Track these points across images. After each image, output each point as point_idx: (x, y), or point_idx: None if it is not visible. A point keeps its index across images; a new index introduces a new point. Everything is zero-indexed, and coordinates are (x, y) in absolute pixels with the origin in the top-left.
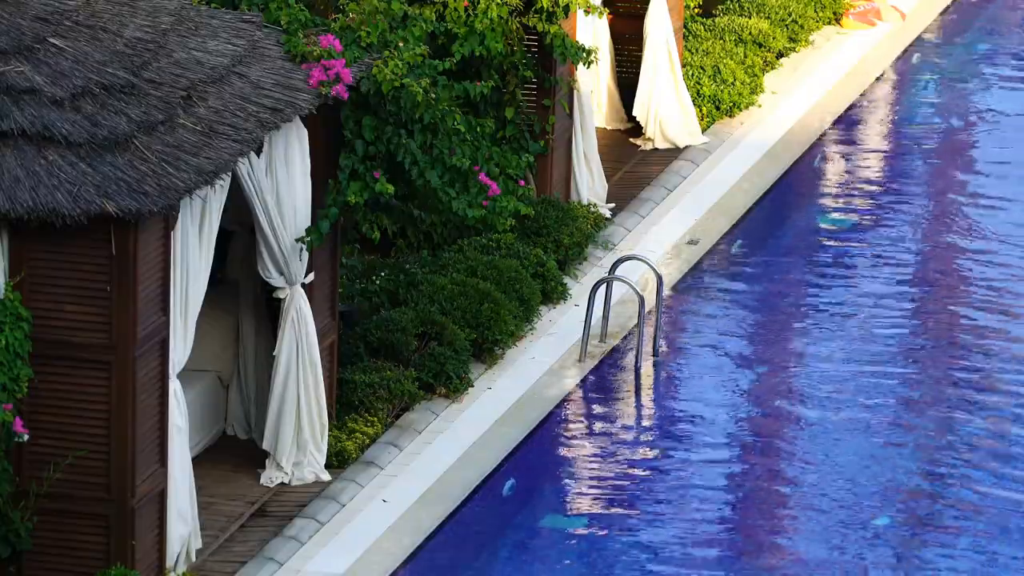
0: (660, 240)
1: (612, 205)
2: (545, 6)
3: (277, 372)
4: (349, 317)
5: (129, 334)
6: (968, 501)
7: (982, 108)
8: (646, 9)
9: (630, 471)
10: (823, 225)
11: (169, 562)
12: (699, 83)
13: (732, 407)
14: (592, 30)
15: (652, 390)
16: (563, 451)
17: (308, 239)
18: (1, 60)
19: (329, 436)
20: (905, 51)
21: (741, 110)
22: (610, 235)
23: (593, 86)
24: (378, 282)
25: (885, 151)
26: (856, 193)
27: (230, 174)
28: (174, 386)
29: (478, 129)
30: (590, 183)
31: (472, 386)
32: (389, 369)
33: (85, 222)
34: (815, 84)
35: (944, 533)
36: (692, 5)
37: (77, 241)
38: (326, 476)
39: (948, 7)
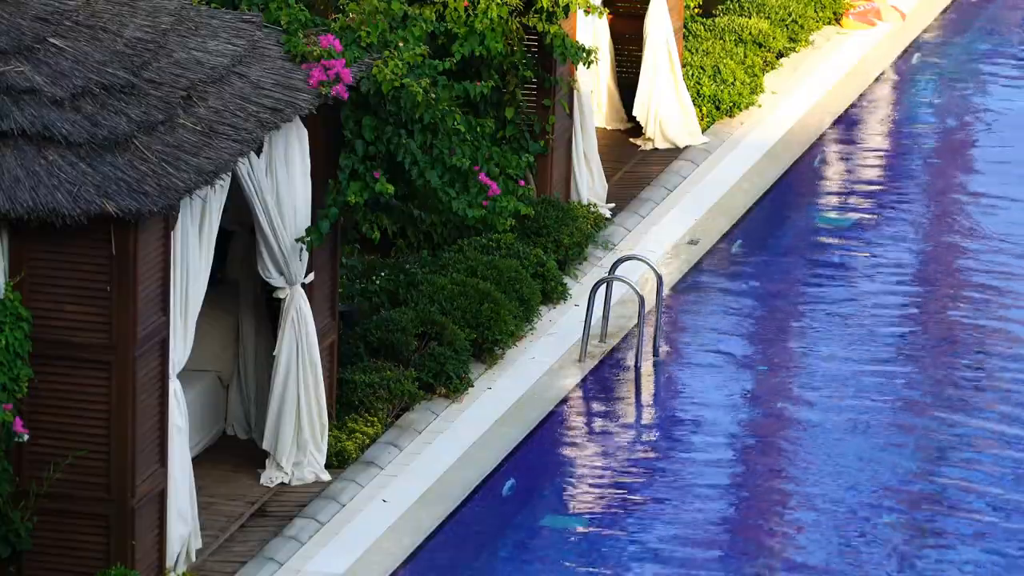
0: (660, 240)
1: (612, 205)
2: (545, 6)
3: (277, 372)
4: (349, 317)
5: (129, 334)
6: (969, 501)
7: (982, 108)
8: (646, 9)
9: (630, 471)
10: (823, 225)
11: (169, 562)
12: (699, 83)
13: (732, 407)
14: (592, 30)
15: (652, 390)
16: (563, 451)
17: (308, 239)
18: (1, 60)
19: (329, 436)
20: (905, 51)
21: (741, 110)
22: (610, 235)
23: (593, 86)
24: (378, 282)
25: (885, 151)
26: (856, 193)
27: (230, 174)
28: (174, 386)
29: (478, 129)
30: (590, 183)
31: (472, 386)
32: (389, 369)
33: (85, 222)
34: (815, 84)
35: (945, 532)
36: (692, 5)
37: (77, 241)
38: (326, 476)
39: (948, 7)
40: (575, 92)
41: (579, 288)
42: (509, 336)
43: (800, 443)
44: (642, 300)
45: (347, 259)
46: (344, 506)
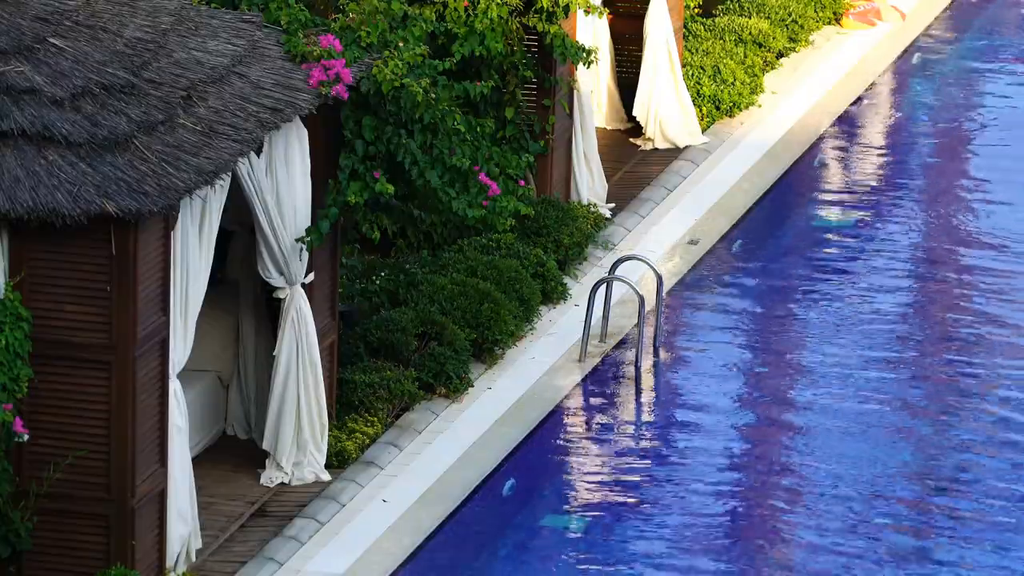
0: (660, 240)
1: (612, 205)
2: (545, 6)
3: (277, 372)
4: (349, 317)
5: (129, 334)
6: (970, 501)
7: (982, 108)
8: (646, 9)
9: (630, 471)
10: (823, 225)
11: (169, 562)
12: (699, 83)
13: (732, 407)
14: (592, 30)
15: (652, 390)
16: (563, 451)
17: (308, 239)
18: (1, 60)
19: (329, 436)
20: (905, 51)
21: (741, 110)
22: (610, 235)
23: (593, 86)
24: (378, 282)
25: (885, 151)
26: (856, 193)
27: (230, 174)
28: (174, 386)
29: (478, 129)
30: (590, 183)
31: (472, 386)
32: (389, 369)
33: (85, 222)
34: (815, 84)
35: (946, 533)
36: (692, 5)
37: (77, 241)
38: (326, 476)
39: (948, 7)
40: (575, 92)
41: (579, 288)
42: (509, 336)
43: (800, 443)
44: (642, 300)
45: (347, 259)
46: (344, 506)
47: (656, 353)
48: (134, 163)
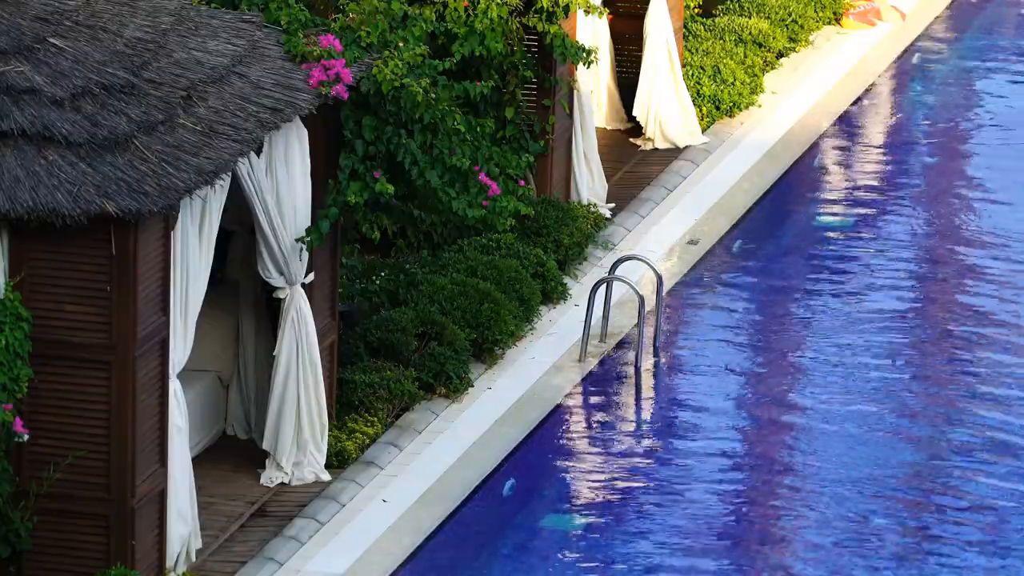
0: (660, 240)
1: (612, 205)
2: (545, 6)
3: (277, 372)
4: (349, 317)
5: (129, 334)
6: (971, 501)
7: (982, 107)
8: (646, 9)
9: (630, 471)
10: (823, 225)
11: (169, 562)
12: (699, 83)
13: (733, 406)
14: (592, 30)
15: (652, 390)
16: (563, 451)
17: (308, 239)
18: (1, 60)
19: (329, 436)
20: (905, 51)
21: (741, 110)
22: (610, 235)
23: (593, 86)
24: (378, 282)
25: (885, 151)
26: (856, 193)
27: (230, 174)
28: (174, 386)
29: (478, 129)
30: (590, 183)
31: (472, 386)
32: (389, 369)
33: (85, 222)
34: (815, 84)
35: (947, 533)
36: (692, 5)
37: (77, 241)
38: (326, 476)
39: (948, 7)
40: (575, 92)
41: (579, 288)
42: (509, 336)
43: (800, 443)
44: (642, 300)
45: (347, 259)
46: (344, 506)
47: (656, 353)
48: (134, 163)
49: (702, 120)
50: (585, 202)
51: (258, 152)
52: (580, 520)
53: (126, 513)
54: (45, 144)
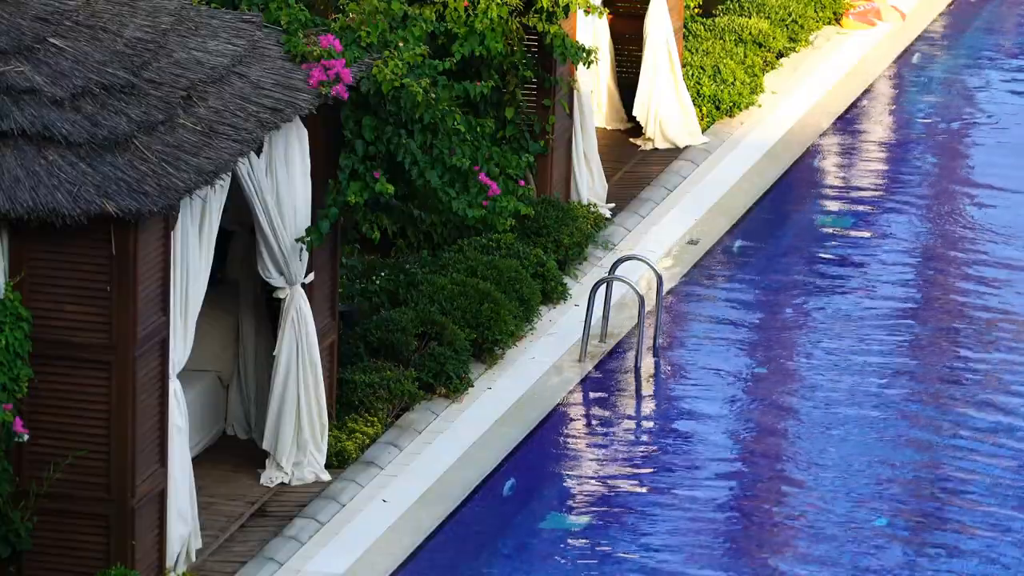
0: (660, 240)
1: (612, 205)
2: (545, 6)
3: (277, 372)
4: (349, 317)
5: (129, 334)
6: (974, 501)
7: (982, 107)
8: (646, 9)
9: (630, 471)
10: (823, 225)
11: (169, 562)
12: (699, 83)
13: (733, 406)
14: (592, 30)
15: (652, 390)
16: (563, 451)
17: (308, 239)
18: (1, 60)
19: (329, 436)
20: (905, 51)
21: (741, 110)
22: (610, 235)
23: (593, 86)
24: (378, 282)
25: (885, 151)
26: (856, 193)
27: (230, 174)
28: (174, 386)
29: (478, 129)
30: (590, 183)
31: (472, 386)
32: (389, 369)
33: (85, 222)
34: (815, 84)
35: (949, 534)
36: (692, 5)
37: (77, 241)
38: (326, 476)
39: (948, 7)
40: (575, 92)
41: (579, 288)
42: (509, 336)
43: (802, 442)
44: (642, 300)
45: (347, 259)
46: (344, 506)
47: (656, 353)
48: (134, 163)
49: (702, 120)
50: (585, 202)
51: (258, 152)
52: (580, 520)
53: (126, 513)
54: (45, 144)
